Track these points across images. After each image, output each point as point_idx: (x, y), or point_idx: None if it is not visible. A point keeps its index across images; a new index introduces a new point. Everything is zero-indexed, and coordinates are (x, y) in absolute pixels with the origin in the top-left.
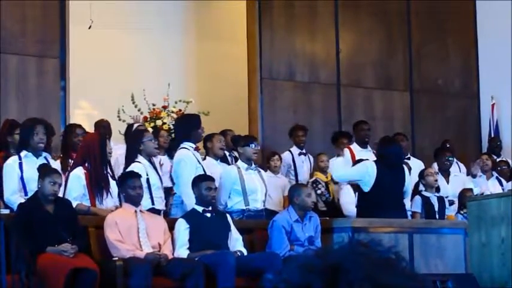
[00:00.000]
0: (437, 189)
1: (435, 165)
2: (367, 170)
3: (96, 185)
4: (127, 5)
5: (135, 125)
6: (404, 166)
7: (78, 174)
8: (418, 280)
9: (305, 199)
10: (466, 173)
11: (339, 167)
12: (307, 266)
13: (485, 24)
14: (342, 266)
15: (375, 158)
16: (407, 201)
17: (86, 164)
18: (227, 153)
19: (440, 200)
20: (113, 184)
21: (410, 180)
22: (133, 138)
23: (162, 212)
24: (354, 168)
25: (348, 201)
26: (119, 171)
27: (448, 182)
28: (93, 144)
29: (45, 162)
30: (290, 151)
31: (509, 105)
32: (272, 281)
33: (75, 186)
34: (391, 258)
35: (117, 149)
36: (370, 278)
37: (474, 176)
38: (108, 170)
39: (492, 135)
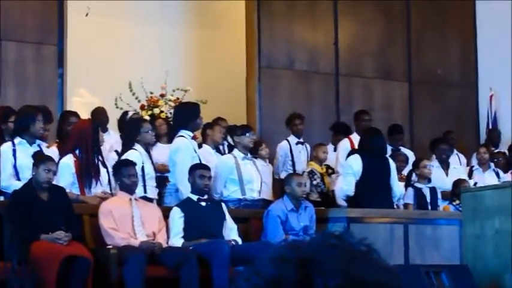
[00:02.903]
0: (429, 180)
1: (434, 157)
2: (352, 171)
3: (86, 173)
4: None
5: (130, 113)
6: (388, 157)
7: (68, 162)
8: (391, 271)
9: (295, 188)
10: (466, 164)
11: (338, 188)
12: (280, 258)
13: (484, 15)
14: (315, 258)
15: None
16: (397, 192)
17: (77, 152)
18: None
19: (433, 190)
20: (103, 172)
21: (395, 173)
22: (131, 127)
23: (154, 200)
24: (345, 177)
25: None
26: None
27: (447, 175)
28: (85, 132)
29: (39, 149)
30: (287, 140)
31: (508, 96)
32: (244, 274)
33: (64, 175)
34: (363, 250)
35: (112, 137)
36: (344, 269)
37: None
38: (100, 158)
39: (490, 127)
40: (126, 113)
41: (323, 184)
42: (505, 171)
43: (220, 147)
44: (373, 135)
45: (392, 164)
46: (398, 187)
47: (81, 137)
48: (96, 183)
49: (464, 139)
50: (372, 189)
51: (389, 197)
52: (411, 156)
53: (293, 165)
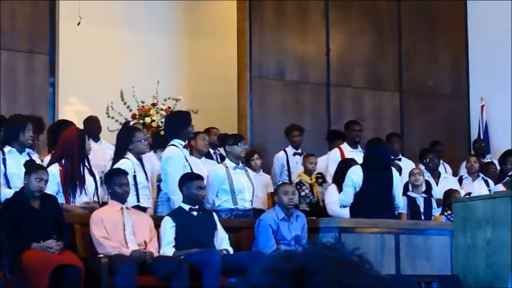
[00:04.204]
0: (426, 190)
1: (421, 166)
2: (352, 182)
3: (71, 182)
4: (117, 2)
5: (131, 123)
6: (392, 168)
7: (53, 171)
8: (382, 281)
9: (282, 197)
10: (452, 173)
11: (334, 197)
12: (272, 269)
13: (475, 26)
14: (307, 268)
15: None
16: (399, 203)
17: (63, 161)
18: (211, 151)
19: (427, 200)
20: (89, 181)
21: (400, 182)
22: (124, 136)
23: (148, 209)
24: (344, 189)
25: (333, 201)
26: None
27: (437, 184)
28: (71, 141)
29: (29, 158)
30: (285, 151)
31: (499, 107)
32: (236, 285)
33: (49, 184)
34: (355, 260)
35: (104, 146)
36: (336, 279)
37: None
38: (86, 164)
39: (481, 137)
40: (128, 122)
41: (312, 194)
42: (496, 182)
43: (213, 155)
44: (376, 146)
45: (396, 175)
46: (400, 198)
47: (67, 145)
48: (81, 193)
49: (455, 149)
50: (373, 201)
51: (392, 208)
52: (411, 166)
53: (289, 175)
